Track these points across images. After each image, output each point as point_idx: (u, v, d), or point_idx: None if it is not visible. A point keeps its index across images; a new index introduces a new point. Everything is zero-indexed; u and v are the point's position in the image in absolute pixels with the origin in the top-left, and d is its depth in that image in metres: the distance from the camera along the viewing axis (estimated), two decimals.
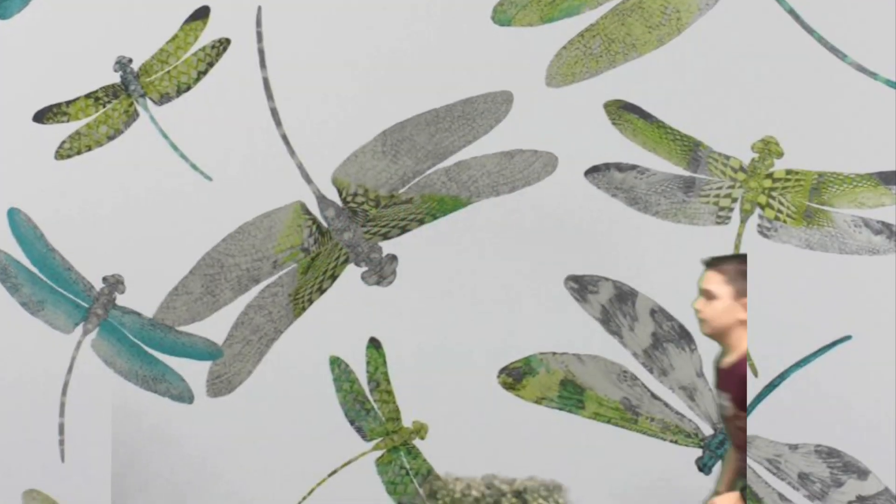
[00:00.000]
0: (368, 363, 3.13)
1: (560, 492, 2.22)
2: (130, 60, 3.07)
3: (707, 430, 3.18)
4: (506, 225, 3.11)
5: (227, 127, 3.08)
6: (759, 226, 3.10)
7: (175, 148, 3.09)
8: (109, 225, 3.11)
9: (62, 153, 3.10)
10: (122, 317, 3.14)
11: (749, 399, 3.15)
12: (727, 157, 3.06)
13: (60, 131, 3.11)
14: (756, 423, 3.17)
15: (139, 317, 3.14)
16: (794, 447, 3.16)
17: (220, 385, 3.16)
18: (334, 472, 3.28)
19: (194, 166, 3.09)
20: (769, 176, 3.06)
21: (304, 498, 3.20)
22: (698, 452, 3.21)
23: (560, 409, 3.17)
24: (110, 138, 3.10)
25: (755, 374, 3.15)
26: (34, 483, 3.23)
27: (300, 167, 3.08)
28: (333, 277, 3.14)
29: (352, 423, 3.11)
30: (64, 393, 3.17)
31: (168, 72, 3.08)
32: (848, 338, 3.11)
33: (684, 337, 3.16)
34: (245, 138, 3.08)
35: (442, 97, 3.07)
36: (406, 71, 3.05)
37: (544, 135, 3.08)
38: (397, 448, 3.03)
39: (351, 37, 3.05)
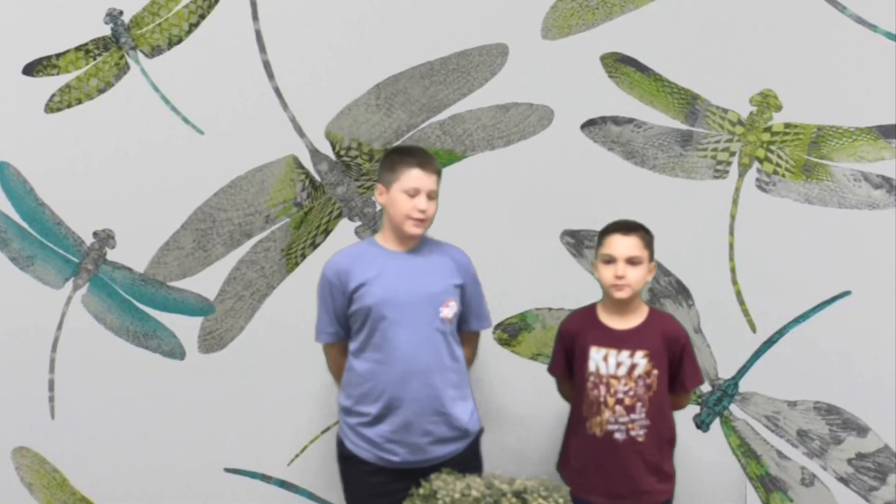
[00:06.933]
0: None
1: (560, 492, 2.24)
2: (121, 12, 3.13)
3: (705, 387, 3.19)
4: (501, 179, 3.14)
5: (218, 80, 3.16)
6: (757, 180, 3.13)
7: (166, 101, 3.12)
8: (100, 179, 3.18)
9: (52, 106, 3.14)
10: (113, 272, 3.17)
11: (747, 356, 3.18)
12: (725, 111, 3.10)
13: (50, 84, 3.19)
14: (754, 380, 3.22)
15: (130, 272, 3.18)
16: (792, 404, 3.19)
17: (211, 341, 3.19)
18: (327, 429, 3.31)
19: (186, 119, 3.13)
20: (767, 129, 3.09)
21: (297, 455, 3.24)
22: (696, 409, 3.22)
23: None
24: (101, 91, 3.15)
25: (753, 330, 3.17)
26: (24, 440, 3.30)
27: (293, 120, 3.11)
28: (327, 232, 3.16)
29: None
30: (54, 349, 3.22)
31: (159, 24, 3.14)
32: (847, 293, 3.15)
33: (682, 292, 3.18)
34: (237, 91, 3.16)
35: (436, 49, 3.12)
36: (400, 23, 3.11)
37: (540, 88, 3.13)
38: None
39: None
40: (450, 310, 2.67)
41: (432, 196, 2.65)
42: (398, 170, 2.65)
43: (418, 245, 2.71)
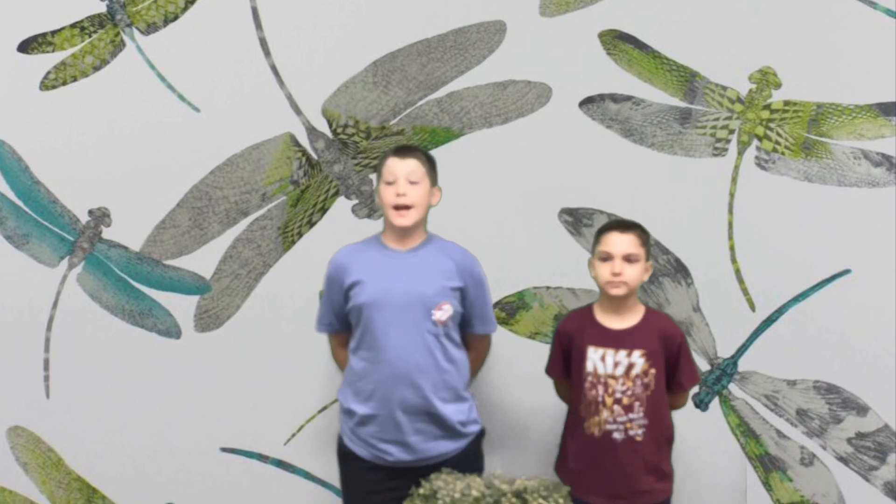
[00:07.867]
0: None
1: (560, 491, 2.24)
2: None
3: (704, 366, 3.18)
4: (498, 157, 3.14)
5: (215, 57, 3.17)
6: (756, 157, 3.12)
7: (162, 78, 3.13)
8: (95, 157, 3.18)
9: (47, 84, 3.14)
10: (109, 250, 3.17)
11: (746, 334, 3.17)
12: (724, 88, 3.09)
13: (46, 61, 3.20)
14: (753, 359, 3.21)
15: (126, 250, 3.19)
16: (792, 383, 3.18)
17: (207, 320, 3.19)
18: (324, 408, 3.31)
19: (182, 97, 3.13)
20: (767, 107, 3.09)
21: (294, 434, 3.23)
22: (695, 389, 3.21)
23: None
24: (96, 69, 3.16)
25: (752, 308, 3.16)
26: (19, 420, 3.30)
27: (289, 98, 3.11)
28: (323, 210, 3.16)
29: None
30: (49, 328, 3.22)
31: (155, 1, 3.12)
32: (847, 272, 3.15)
33: (681, 271, 3.17)
34: (233, 69, 3.16)
35: (434, 26, 3.12)
36: None
37: (538, 65, 3.13)
38: None
39: None
40: (443, 313, 2.66)
41: (414, 180, 2.63)
42: (380, 166, 2.69)
43: (422, 244, 2.70)
